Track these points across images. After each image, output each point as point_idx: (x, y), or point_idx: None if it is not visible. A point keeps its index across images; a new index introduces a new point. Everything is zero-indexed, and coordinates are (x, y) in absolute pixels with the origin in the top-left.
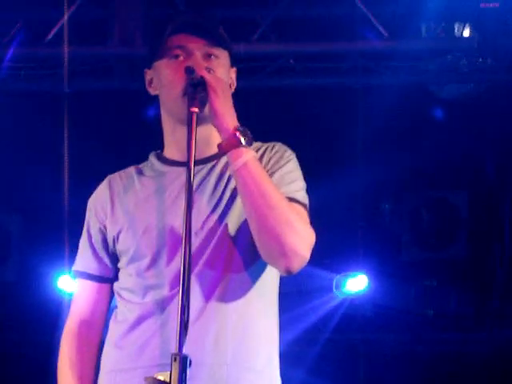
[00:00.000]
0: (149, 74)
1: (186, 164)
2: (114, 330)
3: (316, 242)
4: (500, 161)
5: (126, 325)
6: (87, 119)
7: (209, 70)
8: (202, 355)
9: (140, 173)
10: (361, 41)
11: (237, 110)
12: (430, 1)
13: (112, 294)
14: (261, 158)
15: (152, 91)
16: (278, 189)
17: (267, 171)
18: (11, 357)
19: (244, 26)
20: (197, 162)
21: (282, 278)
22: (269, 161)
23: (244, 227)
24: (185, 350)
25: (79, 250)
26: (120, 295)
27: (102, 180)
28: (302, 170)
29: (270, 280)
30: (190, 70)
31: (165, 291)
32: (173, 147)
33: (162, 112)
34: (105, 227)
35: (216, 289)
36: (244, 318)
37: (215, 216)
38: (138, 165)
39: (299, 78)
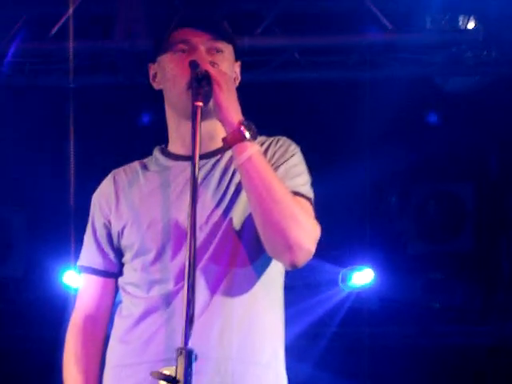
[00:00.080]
0: (153, 69)
1: (190, 158)
2: (119, 324)
3: (322, 236)
4: (505, 153)
5: (131, 320)
6: (91, 114)
7: (213, 64)
8: (207, 349)
9: (144, 167)
10: (365, 34)
11: (241, 104)
12: None
13: (117, 289)
14: (265, 152)
15: (156, 86)
16: (283, 183)
17: (272, 165)
18: (17, 352)
19: (248, 19)
20: (201, 157)
21: (287, 272)
22: (273, 155)
23: (249, 221)
24: (190, 345)
25: (84, 245)
26: (125, 290)
27: (107, 175)
28: (307, 163)
29: (275, 274)
30: (194, 64)
31: (170, 286)
32: (177, 142)
33: (166, 106)
34: (109, 222)
35: (221, 283)
36: (249, 313)
37: (220, 210)
38: (142, 159)
39: (304, 71)
